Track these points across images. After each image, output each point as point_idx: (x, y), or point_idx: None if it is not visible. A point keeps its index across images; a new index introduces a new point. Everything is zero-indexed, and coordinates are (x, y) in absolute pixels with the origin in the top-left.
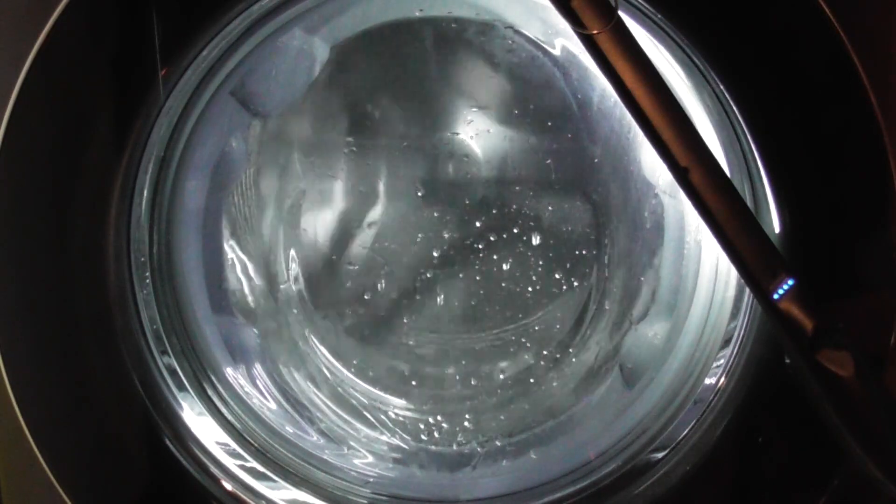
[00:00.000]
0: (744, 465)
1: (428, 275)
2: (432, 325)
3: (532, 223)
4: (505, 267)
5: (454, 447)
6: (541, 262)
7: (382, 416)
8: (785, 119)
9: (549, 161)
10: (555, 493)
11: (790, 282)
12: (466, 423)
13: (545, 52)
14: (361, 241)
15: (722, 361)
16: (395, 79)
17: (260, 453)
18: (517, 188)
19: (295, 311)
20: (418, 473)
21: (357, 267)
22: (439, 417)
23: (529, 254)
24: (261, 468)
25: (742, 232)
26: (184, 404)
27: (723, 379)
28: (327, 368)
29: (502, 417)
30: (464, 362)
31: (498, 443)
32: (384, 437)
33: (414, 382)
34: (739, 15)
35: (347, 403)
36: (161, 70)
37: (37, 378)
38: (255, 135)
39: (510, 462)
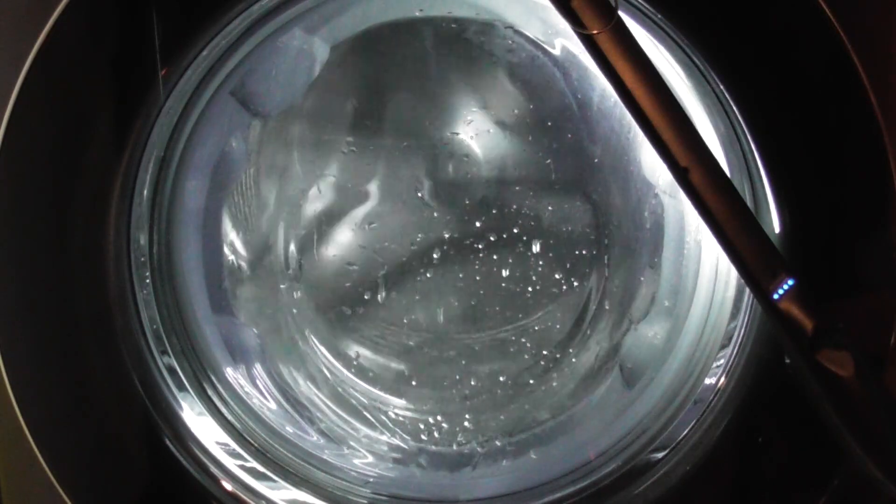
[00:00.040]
0: (744, 465)
1: (428, 275)
2: (432, 325)
3: (532, 223)
4: (505, 267)
5: (454, 447)
6: (541, 262)
7: (382, 416)
8: (785, 119)
9: (549, 161)
10: (555, 493)
11: (790, 282)
12: (466, 423)
13: (545, 52)
14: (361, 241)
15: (722, 361)
16: (395, 79)
17: (260, 453)
18: (517, 188)
19: (295, 311)
20: (418, 473)
21: (357, 267)
22: (439, 417)
23: (529, 254)
24: (261, 468)
25: (742, 232)
26: (184, 404)
27: (723, 379)
28: (327, 368)
29: (502, 417)
30: (464, 362)
31: (498, 443)
32: (384, 437)
33: (414, 382)
34: (739, 15)
35: (347, 403)
36: (161, 70)
37: (37, 378)
38: (255, 135)
39: (510, 462)
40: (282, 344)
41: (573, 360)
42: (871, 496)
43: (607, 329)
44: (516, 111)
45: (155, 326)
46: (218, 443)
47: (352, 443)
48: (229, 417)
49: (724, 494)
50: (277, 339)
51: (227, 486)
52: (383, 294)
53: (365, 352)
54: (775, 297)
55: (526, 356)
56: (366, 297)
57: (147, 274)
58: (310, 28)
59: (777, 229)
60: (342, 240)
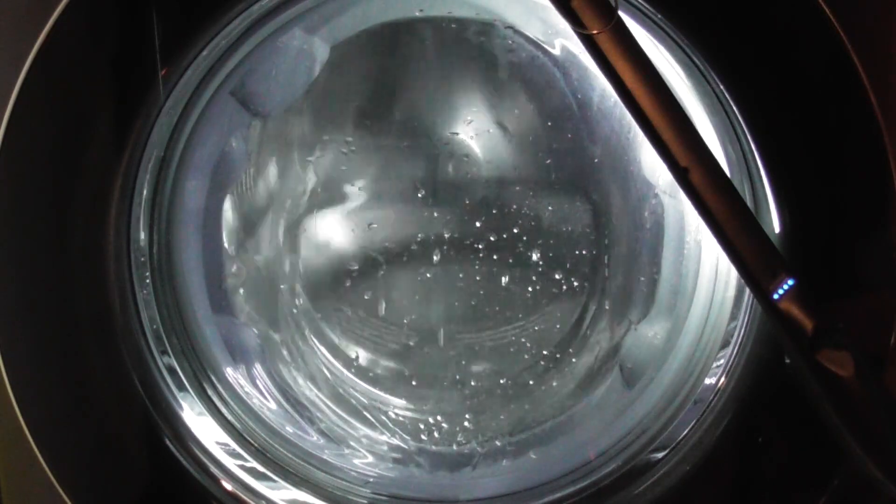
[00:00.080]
0: (744, 465)
1: (428, 275)
2: (433, 325)
3: (532, 223)
4: (505, 266)
5: (454, 447)
6: (541, 262)
7: (382, 416)
8: (785, 119)
9: (549, 161)
10: (555, 493)
11: (790, 282)
12: (466, 423)
13: (545, 52)
14: (361, 241)
15: (722, 361)
16: (395, 79)
17: (260, 453)
18: (517, 188)
19: (295, 310)
20: (418, 473)
21: (357, 267)
22: (439, 417)
23: (529, 254)
24: (261, 468)
25: (742, 232)
26: (184, 404)
27: (723, 379)
28: (327, 368)
29: (502, 417)
30: (464, 362)
31: (498, 443)
32: (384, 437)
33: (414, 382)
34: (739, 15)
35: (347, 403)
36: (161, 70)
37: (37, 378)
38: (255, 135)
39: (510, 462)
40: (282, 344)
41: (573, 360)
42: (871, 496)
43: (607, 329)
44: (516, 111)
45: (155, 326)
46: (218, 443)
47: (352, 443)
48: (229, 417)
49: (724, 494)
50: (277, 339)
51: (227, 486)
52: (383, 294)
53: (365, 352)
54: (775, 297)
55: (526, 356)
56: (366, 297)
57: (147, 274)
58: (310, 28)
59: (777, 229)
60: (342, 240)
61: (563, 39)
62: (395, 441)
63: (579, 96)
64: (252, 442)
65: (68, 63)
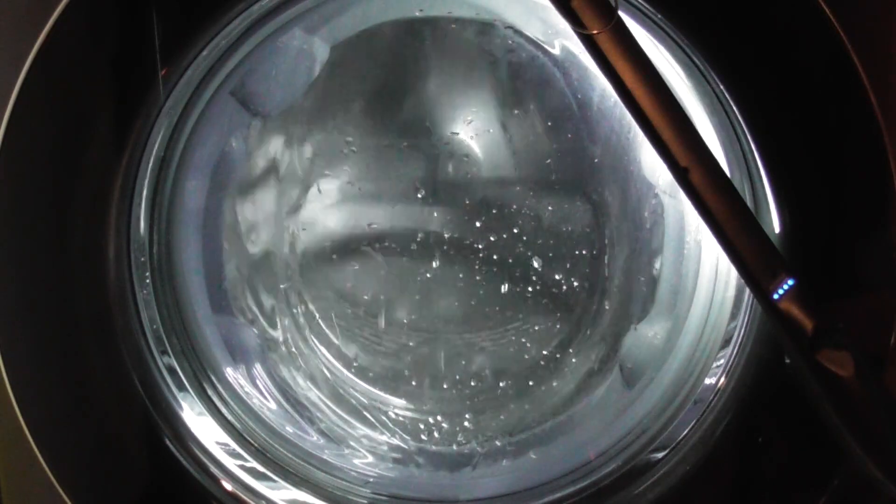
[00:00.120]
0: (744, 465)
1: (428, 275)
2: (432, 325)
3: (532, 223)
4: (505, 267)
5: (454, 447)
6: (541, 262)
7: (382, 416)
8: (785, 119)
9: (549, 161)
10: (555, 493)
11: (790, 282)
12: (466, 423)
13: (545, 52)
14: (361, 241)
15: (722, 361)
16: (394, 79)
17: (260, 453)
18: (517, 188)
19: (295, 310)
20: (418, 473)
21: (357, 267)
22: (439, 417)
23: (529, 253)
24: (261, 468)
25: (742, 232)
26: (184, 404)
27: (723, 379)
28: (327, 368)
29: (502, 417)
30: (464, 362)
31: (498, 443)
32: (384, 437)
33: (414, 382)
34: (739, 15)
35: (347, 403)
36: (161, 70)
37: (37, 378)
38: (255, 135)
39: (510, 462)
40: (282, 344)
41: (573, 360)
42: (871, 496)
43: (607, 329)
44: (516, 111)
45: (155, 326)
46: (218, 443)
47: (352, 443)
48: (229, 417)
49: (724, 494)
50: (277, 339)
51: (227, 486)
52: (383, 294)
53: (365, 352)
54: (775, 297)
55: (526, 356)
56: (366, 297)
57: (147, 274)
58: (310, 28)
59: (777, 229)
60: (342, 240)
61: (563, 39)
62: (395, 441)
63: (579, 96)
64: (252, 442)
65: (68, 63)
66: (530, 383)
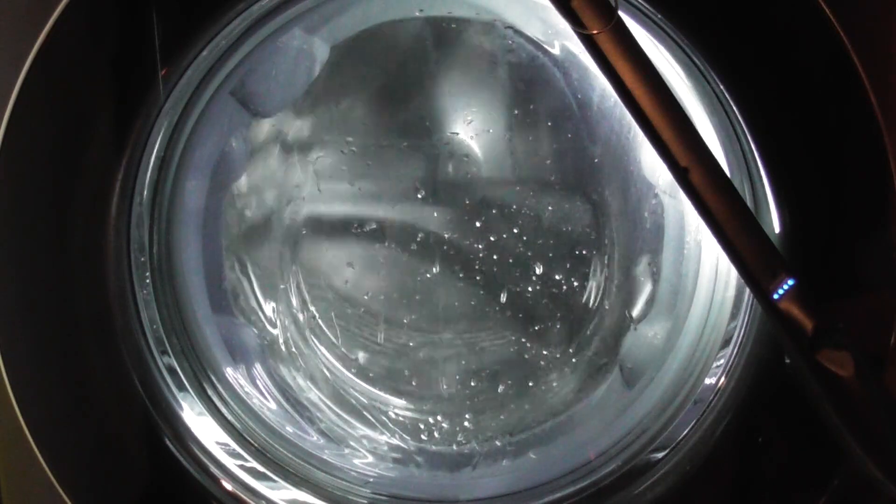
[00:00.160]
0: (744, 465)
1: (428, 275)
2: (432, 325)
3: (532, 223)
4: (505, 267)
5: (454, 447)
6: (541, 262)
7: (382, 416)
8: (785, 119)
9: (549, 161)
10: (555, 493)
11: (790, 282)
12: (466, 423)
13: (545, 52)
14: (361, 242)
15: (722, 361)
16: (394, 79)
17: (260, 453)
18: (517, 188)
19: (295, 311)
20: (418, 473)
21: (357, 267)
22: (439, 417)
23: (529, 254)
24: (261, 468)
25: (742, 232)
26: (184, 404)
27: (723, 379)
28: (327, 368)
29: (502, 417)
30: (464, 362)
31: (498, 443)
32: (384, 437)
33: (414, 382)
34: (739, 15)
35: (347, 403)
36: (161, 70)
37: (37, 378)
38: (255, 135)
39: (510, 462)
40: (282, 344)
41: (573, 360)
42: (871, 496)
43: (607, 329)
44: (516, 111)
45: (155, 326)
46: (218, 443)
47: (352, 443)
48: (229, 417)
49: (724, 494)
50: (277, 339)
51: (227, 486)
52: (383, 294)
53: (365, 352)
54: (775, 297)
55: (526, 356)
56: (365, 297)
57: (147, 274)
58: (310, 28)
59: (777, 229)
60: (342, 240)
61: (563, 39)
62: (395, 441)
63: (579, 96)
64: (252, 442)
65: (68, 63)
66: (530, 383)
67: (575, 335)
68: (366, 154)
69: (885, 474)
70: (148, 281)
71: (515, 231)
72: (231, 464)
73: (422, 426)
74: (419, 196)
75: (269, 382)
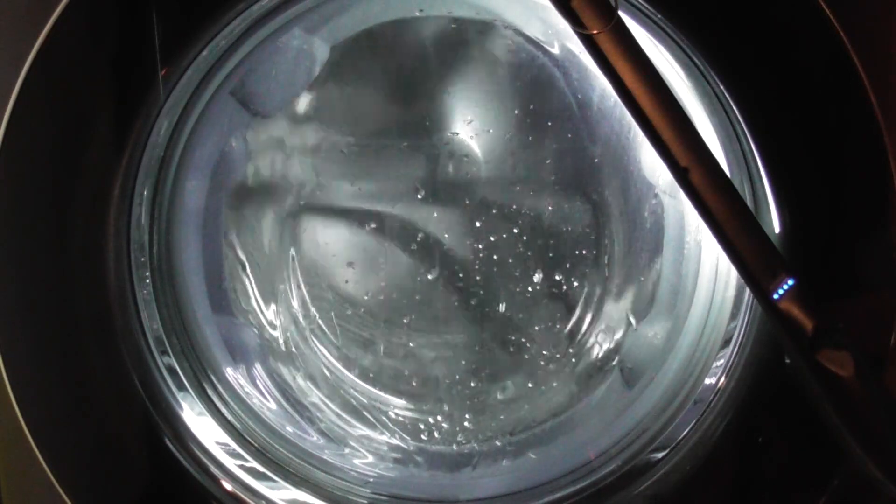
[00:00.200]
0: (744, 465)
1: (428, 275)
2: (432, 325)
3: (532, 223)
4: (505, 267)
5: (454, 447)
6: (541, 262)
7: (382, 416)
8: (785, 119)
9: (549, 161)
10: (555, 493)
11: (790, 282)
12: (466, 423)
13: (545, 52)
14: (361, 241)
15: (722, 361)
16: (395, 79)
17: (260, 453)
18: (517, 188)
19: (295, 311)
20: (418, 473)
21: (357, 267)
22: (439, 417)
23: (529, 254)
24: (261, 468)
25: (742, 232)
26: (184, 404)
27: (723, 379)
28: (327, 368)
29: (502, 417)
30: (464, 362)
31: (498, 443)
32: (384, 437)
33: (414, 382)
34: (739, 15)
35: (347, 403)
36: (161, 70)
37: (37, 378)
38: (255, 135)
39: (510, 462)
40: (282, 344)
41: (573, 360)
42: (871, 496)
43: (607, 329)
44: (516, 111)
45: (155, 326)
46: (218, 443)
47: (352, 443)
48: (229, 417)
49: (724, 494)
50: (277, 340)
51: (227, 486)
52: (383, 294)
53: (365, 352)
54: (775, 297)
55: (526, 356)
56: (366, 297)
57: (147, 274)
58: (310, 28)
59: (777, 229)
60: (342, 240)
61: (563, 39)
62: (395, 441)
63: (579, 96)
64: (252, 442)
65: (68, 63)
66: (530, 383)
67: (575, 335)
68: (366, 154)
69: (885, 474)
70: (148, 281)
71: (515, 231)
72: (231, 464)
73: (422, 426)
74: (419, 196)
75: (269, 382)
